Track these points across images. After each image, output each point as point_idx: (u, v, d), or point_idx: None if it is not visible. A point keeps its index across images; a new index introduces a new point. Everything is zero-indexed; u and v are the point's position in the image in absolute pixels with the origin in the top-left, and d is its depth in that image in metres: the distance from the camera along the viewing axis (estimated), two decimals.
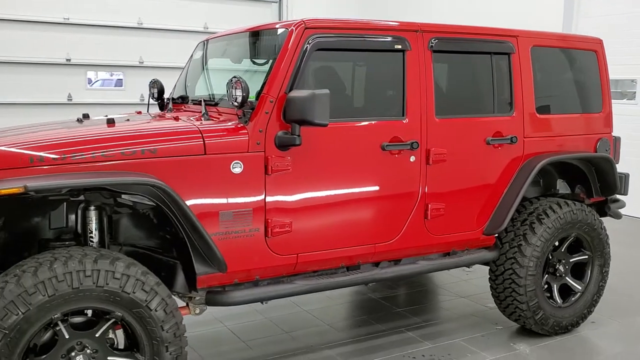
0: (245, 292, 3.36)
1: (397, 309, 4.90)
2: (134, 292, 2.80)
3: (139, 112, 4.24)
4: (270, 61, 3.44)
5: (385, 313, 4.80)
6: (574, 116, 4.48)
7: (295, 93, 3.23)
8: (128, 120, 3.66)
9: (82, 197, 3.09)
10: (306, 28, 3.39)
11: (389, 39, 3.65)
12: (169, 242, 3.34)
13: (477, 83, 4.10)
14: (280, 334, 4.37)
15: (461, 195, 3.99)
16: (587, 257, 4.45)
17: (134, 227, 3.34)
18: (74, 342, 2.79)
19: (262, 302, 3.54)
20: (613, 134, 4.72)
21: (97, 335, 2.84)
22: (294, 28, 3.39)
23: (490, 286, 4.36)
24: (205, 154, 3.16)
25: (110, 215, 3.26)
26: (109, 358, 2.87)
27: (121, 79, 10.77)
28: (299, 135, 3.26)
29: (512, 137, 4.09)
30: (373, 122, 3.62)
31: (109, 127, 3.33)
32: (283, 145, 3.31)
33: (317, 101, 3.13)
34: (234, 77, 3.24)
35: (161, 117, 3.82)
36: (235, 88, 3.23)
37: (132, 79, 10.87)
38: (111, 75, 10.56)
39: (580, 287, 4.44)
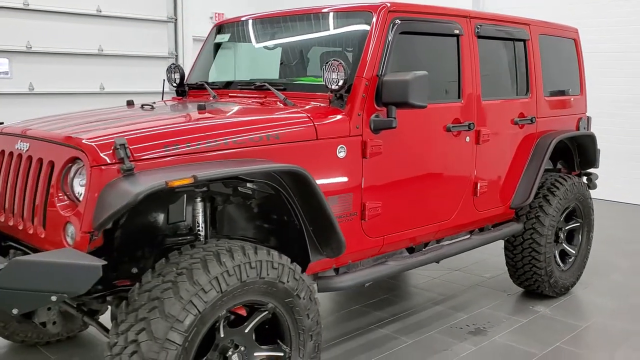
0: (351, 276, 3.37)
1: (409, 286, 5.10)
2: (287, 282, 2.70)
3: (179, 98, 3.97)
4: (357, 44, 3.43)
5: (401, 291, 4.97)
6: (565, 98, 4.96)
7: (393, 76, 3.26)
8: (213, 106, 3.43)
9: (204, 189, 2.88)
10: (389, 11, 3.43)
11: (450, 23, 3.80)
12: (267, 231, 3.23)
13: (506, 68, 4.39)
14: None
15: (497, 172, 4.28)
16: (579, 224, 4.97)
17: (237, 217, 3.17)
18: (227, 340, 2.63)
19: (363, 285, 3.54)
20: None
21: (246, 331, 2.70)
22: (377, 12, 3.41)
23: (507, 256, 4.72)
24: (317, 139, 3.10)
25: (216, 206, 3.07)
26: (255, 354, 2.74)
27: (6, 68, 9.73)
28: (395, 118, 3.31)
29: (531, 118, 4.45)
30: (440, 104, 3.77)
31: (200, 113, 3.12)
32: (378, 129, 3.33)
33: (417, 83, 3.19)
34: (334, 59, 3.18)
35: (247, 104, 3.59)
36: (338, 71, 3.18)
37: (19, 65, 9.86)
38: None
39: (574, 251, 4.95)
